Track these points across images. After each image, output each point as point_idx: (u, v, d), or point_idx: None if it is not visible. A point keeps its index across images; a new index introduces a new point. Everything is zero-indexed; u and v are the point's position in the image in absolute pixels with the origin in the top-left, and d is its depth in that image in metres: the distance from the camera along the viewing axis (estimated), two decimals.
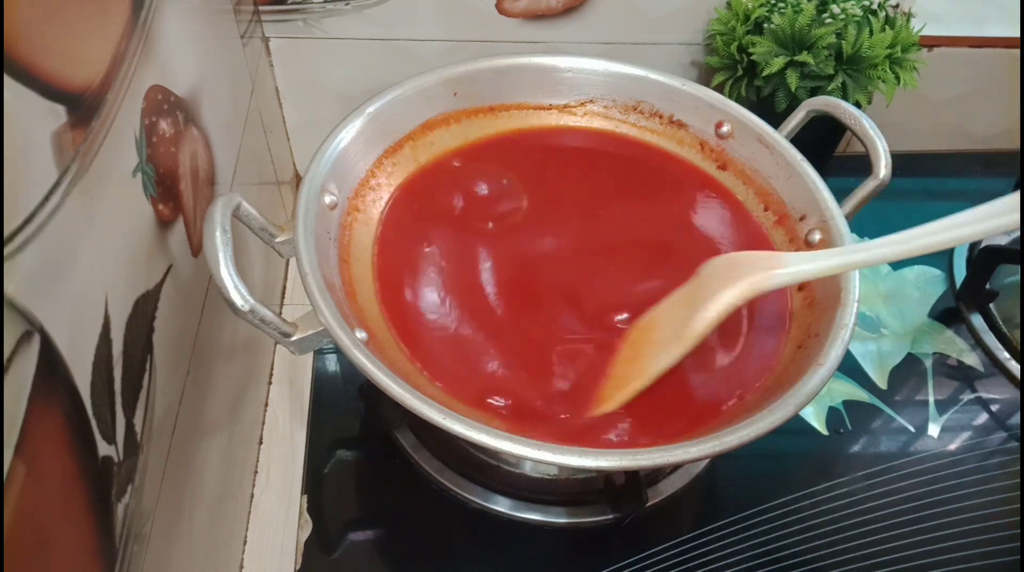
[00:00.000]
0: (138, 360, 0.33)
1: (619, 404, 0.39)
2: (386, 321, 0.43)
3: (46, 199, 0.26)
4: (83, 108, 0.29)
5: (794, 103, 0.56)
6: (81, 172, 0.28)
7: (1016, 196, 0.33)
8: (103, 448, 0.29)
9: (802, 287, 0.45)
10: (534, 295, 0.45)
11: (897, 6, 0.64)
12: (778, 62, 0.59)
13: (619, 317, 0.44)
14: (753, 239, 0.50)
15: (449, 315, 0.44)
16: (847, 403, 0.59)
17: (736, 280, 0.38)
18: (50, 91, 0.26)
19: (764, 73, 0.59)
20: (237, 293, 0.34)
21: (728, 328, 0.42)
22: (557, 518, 0.51)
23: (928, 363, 0.63)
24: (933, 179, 0.78)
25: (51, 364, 0.26)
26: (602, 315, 0.44)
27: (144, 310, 0.34)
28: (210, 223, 0.35)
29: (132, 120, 0.34)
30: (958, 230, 0.36)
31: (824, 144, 0.70)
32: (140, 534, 0.33)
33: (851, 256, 0.38)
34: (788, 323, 0.44)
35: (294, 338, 0.38)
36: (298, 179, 0.72)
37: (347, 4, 0.61)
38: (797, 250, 0.47)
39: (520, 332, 0.43)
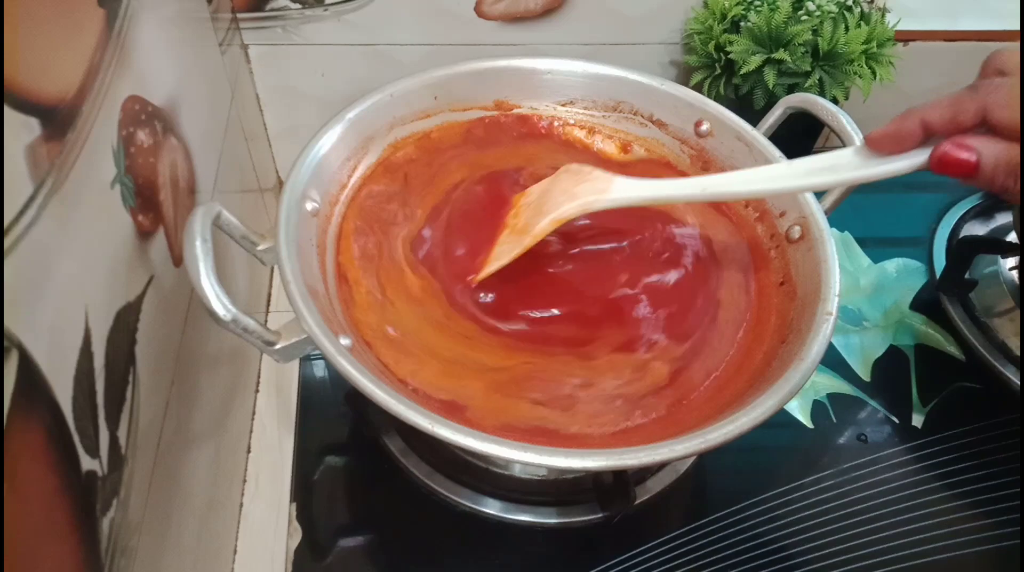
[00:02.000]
0: (121, 373, 0.33)
1: (487, 274, 0.45)
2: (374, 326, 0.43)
3: (21, 213, 0.26)
4: (58, 120, 0.29)
5: (772, 100, 0.57)
6: (57, 185, 0.28)
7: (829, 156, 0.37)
8: (87, 462, 0.29)
9: (783, 281, 0.46)
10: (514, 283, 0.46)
11: (872, 2, 0.65)
12: (755, 60, 0.59)
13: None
14: (737, 232, 0.50)
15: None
16: (831, 396, 0.60)
17: (575, 197, 0.43)
18: (23, 104, 0.26)
19: (742, 71, 0.60)
20: (219, 303, 0.34)
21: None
22: (547, 519, 0.51)
23: (910, 354, 0.63)
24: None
25: (30, 380, 0.25)
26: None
27: (126, 322, 0.34)
28: (190, 233, 0.35)
29: (109, 131, 0.33)
30: (758, 183, 0.41)
31: (802, 140, 0.70)
32: (127, 548, 0.33)
33: (674, 190, 0.43)
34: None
35: (278, 346, 0.37)
36: (281, 185, 0.71)
37: (326, 10, 0.61)
38: (779, 247, 0.47)
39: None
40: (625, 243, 0.48)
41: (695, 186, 0.42)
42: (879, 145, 0.35)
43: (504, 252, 0.45)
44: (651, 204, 0.45)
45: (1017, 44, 0.33)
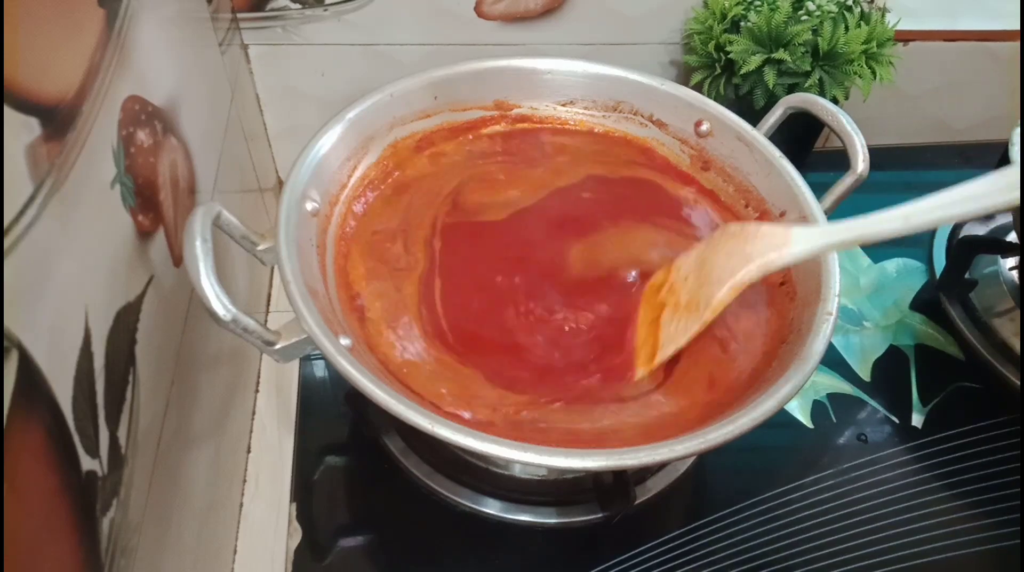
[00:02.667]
0: (120, 373, 0.33)
1: (655, 367, 0.41)
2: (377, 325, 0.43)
3: (21, 213, 0.26)
4: (58, 120, 0.29)
5: (772, 100, 0.57)
6: (57, 185, 0.28)
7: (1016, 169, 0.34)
8: (86, 462, 0.29)
9: (784, 281, 0.46)
10: (524, 280, 0.46)
11: (872, 2, 0.65)
12: (755, 60, 0.59)
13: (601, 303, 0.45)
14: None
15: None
16: (831, 396, 0.60)
17: (750, 259, 0.39)
18: (23, 104, 0.26)
19: (742, 71, 0.60)
20: (218, 303, 0.34)
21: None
22: (547, 519, 0.51)
23: (910, 354, 0.63)
24: (911, 172, 0.79)
25: (30, 380, 0.25)
26: (587, 294, 0.45)
27: (126, 322, 0.34)
28: (190, 233, 0.35)
29: (109, 131, 0.33)
30: (966, 204, 0.36)
31: (803, 140, 0.70)
32: (127, 548, 0.33)
33: (859, 230, 0.38)
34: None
35: (278, 346, 0.37)
36: (281, 185, 0.71)
37: (326, 10, 0.61)
38: None
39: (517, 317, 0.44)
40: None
41: (894, 219, 0.36)
42: None
43: (680, 331, 0.41)
44: (841, 249, 0.41)
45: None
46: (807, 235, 0.39)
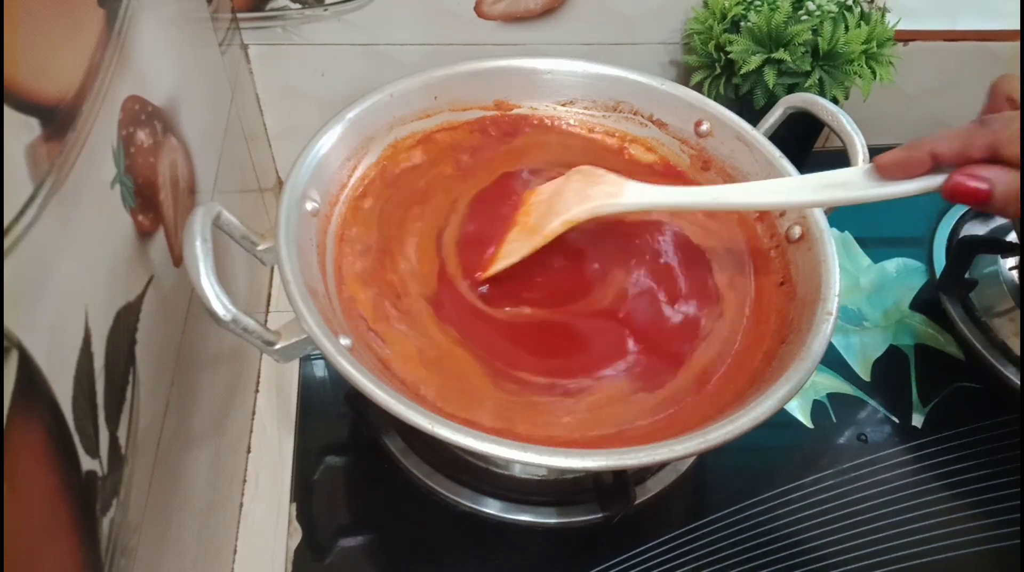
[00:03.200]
0: (120, 373, 0.33)
1: (488, 275, 0.45)
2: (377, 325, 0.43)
3: (21, 213, 0.26)
4: (58, 120, 0.29)
5: (772, 100, 0.57)
6: (57, 185, 0.28)
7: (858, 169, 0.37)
8: (86, 462, 0.29)
9: (784, 281, 0.46)
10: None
11: (872, 2, 0.65)
12: (755, 60, 0.59)
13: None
14: (736, 233, 0.50)
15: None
16: (831, 396, 0.60)
17: (587, 199, 0.44)
18: (23, 104, 0.26)
19: (742, 71, 0.60)
20: (218, 303, 0.34)
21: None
22: (547, 518, 0.51)
23: (910, 354, 0.63)
24: None
25: (30, 380, 0.25)
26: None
27: (126, 322, 0.34)
28: (190, 233, 0.35)
29: (109, 131, 0.33)
30: (773, 195, 0.41)
31: (803, 140, 0.70)
32: (127, 548, 0.33)
33: (684, 197, 0.43)
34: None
35: (278, 346, 0.37)
36: (281, 185, 0.71)
37: (326, 10, 0.61)
38: (778, 247, 0.47)
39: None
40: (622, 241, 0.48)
41: (707, 195, 0.42)
42: (887, 172, 0.36)
43: (514, 250, 0.45)
44: (661, 210, 0.45)
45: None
46: (637, 190, 0.43)
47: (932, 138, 0.34)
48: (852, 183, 0.37)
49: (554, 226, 0.44)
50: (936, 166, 0.34)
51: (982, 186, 0.32)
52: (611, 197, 0.43)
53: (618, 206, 0.43)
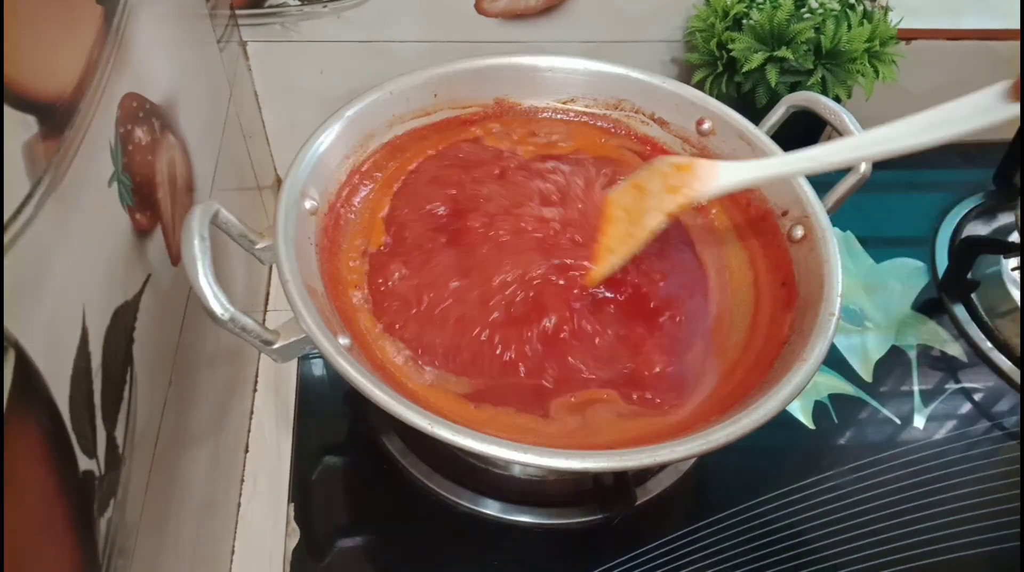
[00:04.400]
0: (118, 372, 0.33)
1: (599, 278, 0.44)
2: (375, 323, 0.43)
3: (19, 211, 0.25)
4: (56, 118, 0.28)
5: (774, 98, 0.57)
6: (55, 183, 0.28)
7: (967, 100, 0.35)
8: (84, 462, 0.29)
9: (784, 282, 0.46)
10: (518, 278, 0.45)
11: (875, 0, 0.64)
12: (757, 58, 0.59)
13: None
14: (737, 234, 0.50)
15: (440, 311, 0.44)
16: (833, 396, 0.60)
17: (680, 187, 0.43)
18: (20, 101, 0.26)
19: (744, 69, 0.59)
20: (216, 302, 0.34)
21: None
22: (547, 519, 0.50)
23: (912, 355, 0.63)
24: (913, 171, 0.79)
25: (27, 379, 0.25)
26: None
27: (123, 321, 0.34)
28: (188, 232, 0.34)
29: (107, 129, 0.33)
30: (874, 146, 0.39)
31: (805, 139, 0.69)
32: (124, 548, 0.33)
33: (784, 165, 0.43)
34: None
35: (276, 346, 0.37)
36: (279, 183, 0.71)
37: (325, 7, 0.61)
38: (780, 247, 0.47)
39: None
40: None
41: (808, 158, 0.40)
42: None
43: (608, 252, 0.44)
44: (762, 185, 0.44)
45: None
46: (734, 169, 0.42)
47: None
48: (981, 109, 0.34)
49: (655, 221, 0.42)
50: None
51: None
52: (708, 179, 0.42)
53: (718, 188, 0.42)
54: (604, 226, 0.45)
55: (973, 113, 0.34)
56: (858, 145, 0.40)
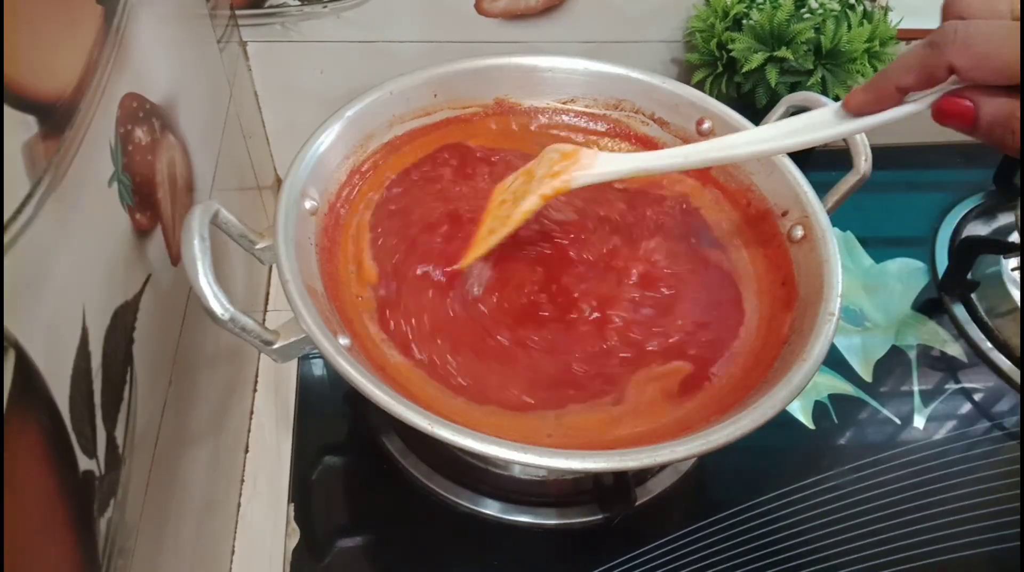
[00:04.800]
0: (118, 372, 0.33)
1: (470, 261, 0.45)
2: (375, 322, 0.43)
3: (19, 211, 0.25)
4: (56, 118, 0.28)
5: (774, 98, 0.57)
6: (55, 183, 0.28)
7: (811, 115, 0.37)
8: (84, 462, 0.29)
9: (784, 282, 0.46)
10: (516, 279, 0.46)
11: (874, 0, 0.64)
12: (757, 58, 0.59)
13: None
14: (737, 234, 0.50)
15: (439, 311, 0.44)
16: (833, 396, 0.60)
17: (559, 174, 0.43)
18: (20, 102, 0.26)
19: (744, 69, 0.59)
20: (216, 302, 0.34)
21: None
22: (547, 520, 0.50)
23: (912, 355, 0.63)
24: (913, 171, 0.79)
25: (27, 379, 0.25)
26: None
27: (123, 321, 0.34)
28: (188, 232, 0.34)
29: (107, 129, 0.33)
30: (747, 147, 0.40)
31: None
32: (124, 548, 0.33)
33: (655, 161, 0.43)
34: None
35: (276, 346, 0.37)
36: (279, 183, 0.71)
37: (325, 7, 0.61)
38: (780, 247, 0.47)
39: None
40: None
41: (677, 155, 0.42)
42: (858, 110, 0.35)
43: (493, 232, 0.44)
44: (636, 176, 0.44)
45: None
46: (609, 159, 0.43)
47: (891, 70, 0.33)
48: (823, 123, 0.37)
49: (529, 203, 0.43)
50: (902, 97, 0.34)
51: (968, 104, 0.31)
52: (585, 168, 0.43)
53: (593, 176, 0.43)
54: (489, 209, 0.46)
55: (813, 127, 0.37)
56: (724, 145, 0.41)
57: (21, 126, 0.26)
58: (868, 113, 0.35)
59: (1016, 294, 0.63)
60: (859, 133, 0.37)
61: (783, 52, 0.58)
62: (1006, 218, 0.72)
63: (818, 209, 0.46)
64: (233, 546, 0.50)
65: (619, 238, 0.48)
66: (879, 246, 0.71)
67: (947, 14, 0.32)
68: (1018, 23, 0.29)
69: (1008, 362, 0.62)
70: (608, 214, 0.49)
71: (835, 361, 0.62)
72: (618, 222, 0.49)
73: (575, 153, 0.44)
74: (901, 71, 0.33)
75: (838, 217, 0.48)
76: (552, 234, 0.48)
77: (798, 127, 0.38)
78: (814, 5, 0.60)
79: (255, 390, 0.59)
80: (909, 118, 0.35)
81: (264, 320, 0.63)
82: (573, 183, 0.43)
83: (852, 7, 0.61)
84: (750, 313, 0.46)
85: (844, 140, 0.46)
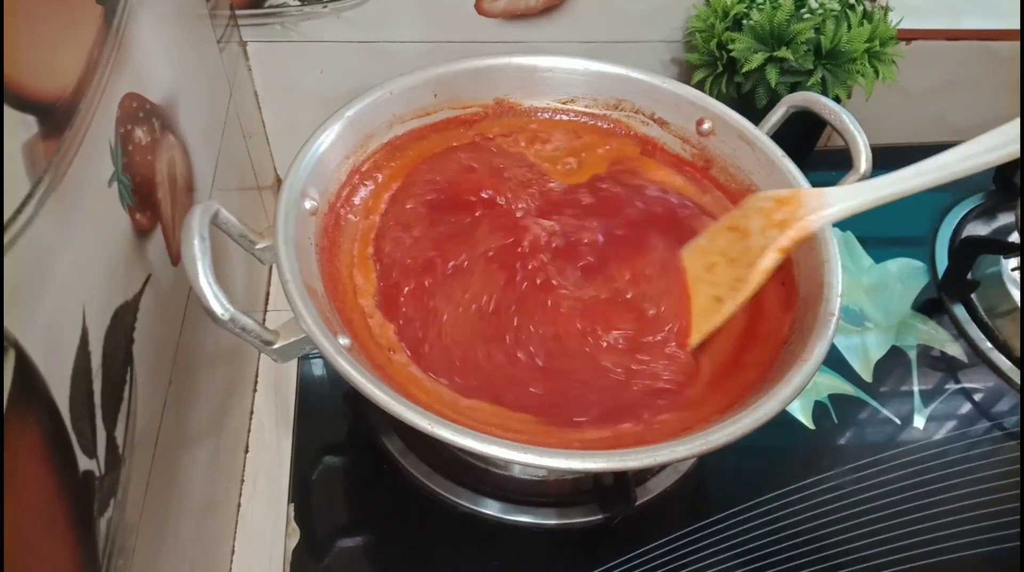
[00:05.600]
0: (118, 372, 0.33)
1: (704, 337, 0.42)
2: (375, 322, 0.43)
3: (19, 211, 0.25)
4: (56, 118, 0.28)
5: (774, 99, 0.57)
6: (55, 183, 0.28)
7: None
8: (84, 462, 0.29)
9: (784, 282, 0.46)
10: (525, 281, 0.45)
11: (874, 0, 0.64)
12: (758, 58, 0.59)
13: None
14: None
15: (442, 312, 0.44)
16: (833, 396, 0.60)
17: (787, 225, 0.40)
18: (20, 102, 0.26)
19: (744, 69, 0.59)
20: (216, 302, 0.34)
21: None
22: (547, 520, 0.50)
23: (912, 355, 0.63)
24: None
25: (27, 379, 0.25)
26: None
27: (123, 321, 0.34)
28: (188, 232, 0.34)
29: (107, 129, 0.33)
30: (972, 159, 0.39)
31: (805, 139, 0.70)
32: (124, 548, 0.33)
33: (892, 187, 0.40)
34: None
35: (276, 346, 0.37)
36: (279, 183, 0.71)
37: (325, 7, 0.61)
38: None
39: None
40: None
41: (907, 176, 0.40)
42: None
43: (715, 302, 0.42)
44: (873, 206, 0.41)
45: None
46: (843, 194, 0.40)
47: None
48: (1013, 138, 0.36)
49: (769, 260, 0.40)
50: None
51: None
52: (819, 209, 0.40)
53: (829, 216, 0.40)
54: (694, 275, 0.43)
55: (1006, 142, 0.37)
56: (966, 155, 0.40)
57: (21, 126, 0.26)
58: None
59: (1016, 294, 0.63)
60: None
61: (783, 52, 0.58)
62: (1006, 218, 0.72)
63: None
64: (233, 546, 0.50)
65: (621, 243, 0.48)
66: (879, 246, 0.71)
67: None
68: None
69: (1008, 362, 0.62)
70: (608, 219, 0.49)
71: (835, 361, 0.62)
72: (619, 225, 0.49)
73: (793, 197, 0.41)
74: None
75: None
76: (551, 243, 0.47)
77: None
78: (814, 5, 0.60)
79: (255, 390, 0.59)
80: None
81: (264, 320, 0.63)
82: (812, 227, 0.40)
83: (852, 7, 0.61)
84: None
85: (844, 139, 0.47)
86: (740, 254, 0.42)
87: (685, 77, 0.68)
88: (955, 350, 0.63)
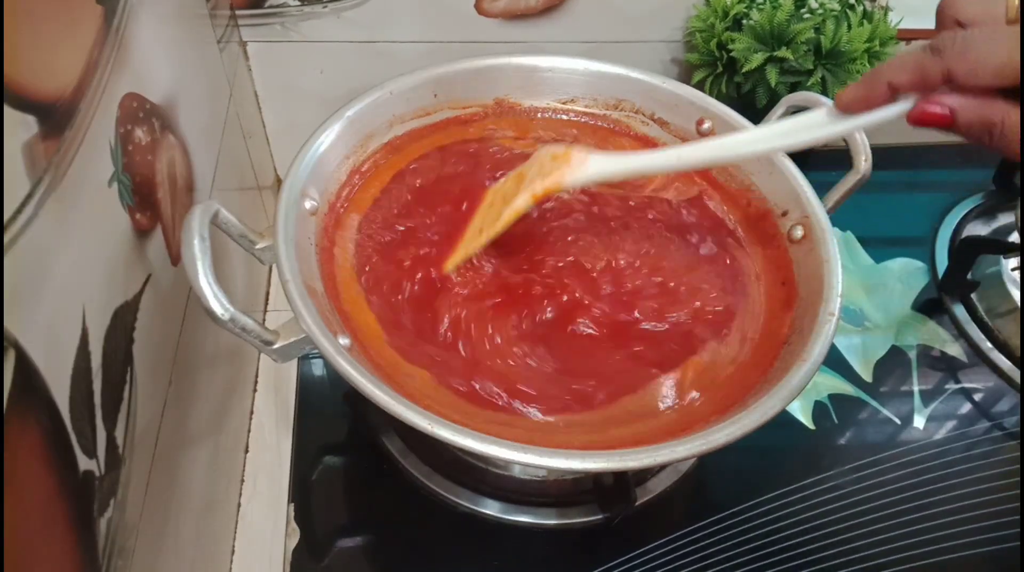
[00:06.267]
0: (118, 372, 0.33)
1: (462, 259, 0.45)
2: (373, 322, 0.43)
3: (19, 211, 0.25)
4: (56, 118, 0.28)
5: (774, 98, 0.57)
6: (55, 183, 0.28)
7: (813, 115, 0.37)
8: (84, 462, 0.29)
9: (784, 282, 0.46)
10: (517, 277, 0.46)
11: (875, 0, 0.64)
12: (757, 58, 0.59)
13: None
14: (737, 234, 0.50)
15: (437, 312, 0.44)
16: (833, 396, 0.60)
17: (549, 174, 0.43)
18: (21, 102, 0.26)
19: (744, 69, 0.59)
20: (216, 302, 0.34)
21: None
22: (547, 520, 0.50)
23: (912, 355, 0.63)
24: (913, 171, 0.79)
25: (27, 379, 0.25)
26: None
27: (123, 321, 0.34)
28: (188, 232, 0.34)
29: (107, 129, 0.33)
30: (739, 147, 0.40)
31: None
32: (124, 548, 0.33)
33: (649, 162, 0.42)
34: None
35: (276, 346, 0.37)
36: (279, 183, 0.71)
37: (325, 7, 0.61)
38: (780, 247, 0.47)
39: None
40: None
41: (671, 156, 0.41)
42: (849, 107, 0.35)
43: (476, 233, 0.44)
44: (629, 177, 0.44)
45: None
46: (602, 160, 0.42)
47: (887, 68, 0.33)
48: (816, 124, 0.37)
49: (519, 203, 0.43)
50: (894, 95, 0.34)
51: (944, 111, 0.32)
52: (577, 169, 0.42)
53: (584, 177, 0.42)
54: (478, 211, 0.45)
55: (806, 127, 0.37)
56: (717, 147, 0.41)
57: (21, 126, 0.26)
58: (858, 110, 0.35)
59: (1016, 294, 0.63)
60: (851, 133, 0.37)
61: (783, 52, 0.58)
62: (1006, 218, 0.72)
63: (818, 209, 0.46)
64: (233, 546, 0.50)
65: (619, 241, 0.48)
66: (879, 246, 0.71)
67: (942, 16, 0.32)
68: (1013, 26, 0.29)
69: (1008, 362, 0.62)
70: (607, 216, 0.49)
71: (835, 361, 0.62)
72: (618, 223, 0.49)
73: (567, 154, 0.44)
74: (896, 69, 0.33)
75: (838, 217, 0.48)
76: (549, 238, 0.48)
77: (791, 128, 0.38)
78: (814, 5, 0.60)
79: (255, 390, 0.59)
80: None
81: (264, 320, 0.63)
82: (564, 183, 0.42)
83: (852, 7, 0.61)
84: (747, 314, 0.45)
85: (844, 140, 0.47)
86: (512, 195, 0.44)
87: (685, 77, 0.68)
88: (955, 350, 0.63)
